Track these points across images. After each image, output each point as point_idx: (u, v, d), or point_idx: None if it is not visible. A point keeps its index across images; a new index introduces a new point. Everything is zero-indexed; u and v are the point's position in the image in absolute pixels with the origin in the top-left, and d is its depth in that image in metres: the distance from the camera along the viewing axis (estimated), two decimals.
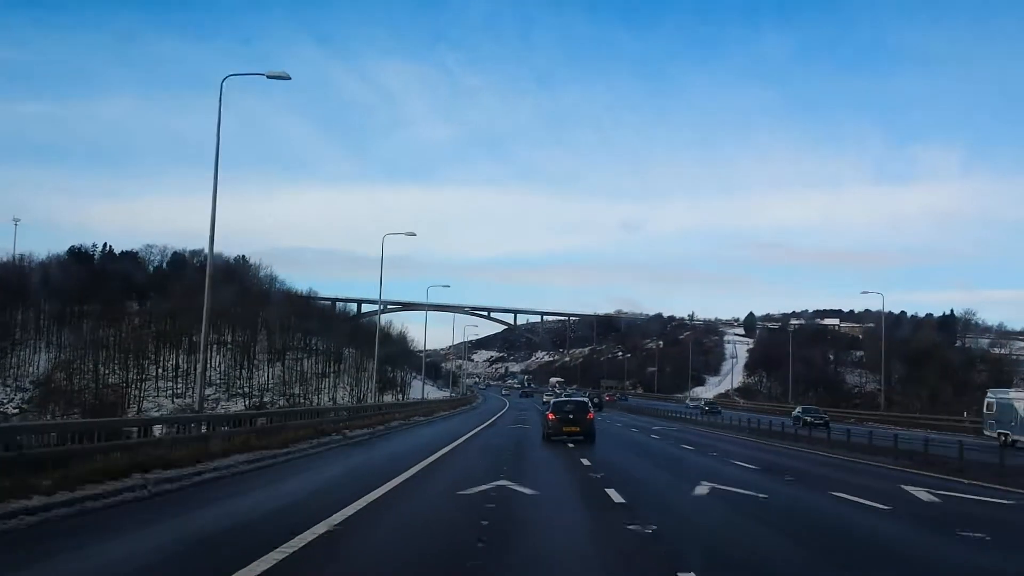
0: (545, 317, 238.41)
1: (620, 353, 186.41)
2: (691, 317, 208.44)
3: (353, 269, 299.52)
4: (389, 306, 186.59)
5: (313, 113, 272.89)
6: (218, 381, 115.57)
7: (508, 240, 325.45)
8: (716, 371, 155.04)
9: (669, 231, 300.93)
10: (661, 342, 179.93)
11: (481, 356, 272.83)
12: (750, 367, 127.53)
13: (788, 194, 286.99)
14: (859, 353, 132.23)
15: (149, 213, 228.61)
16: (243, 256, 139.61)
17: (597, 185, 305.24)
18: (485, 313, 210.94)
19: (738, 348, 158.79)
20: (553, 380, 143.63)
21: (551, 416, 30.12)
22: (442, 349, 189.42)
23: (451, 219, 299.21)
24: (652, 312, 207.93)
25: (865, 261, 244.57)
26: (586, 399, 38.38)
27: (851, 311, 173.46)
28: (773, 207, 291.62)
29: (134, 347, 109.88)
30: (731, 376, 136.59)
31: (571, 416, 29.89)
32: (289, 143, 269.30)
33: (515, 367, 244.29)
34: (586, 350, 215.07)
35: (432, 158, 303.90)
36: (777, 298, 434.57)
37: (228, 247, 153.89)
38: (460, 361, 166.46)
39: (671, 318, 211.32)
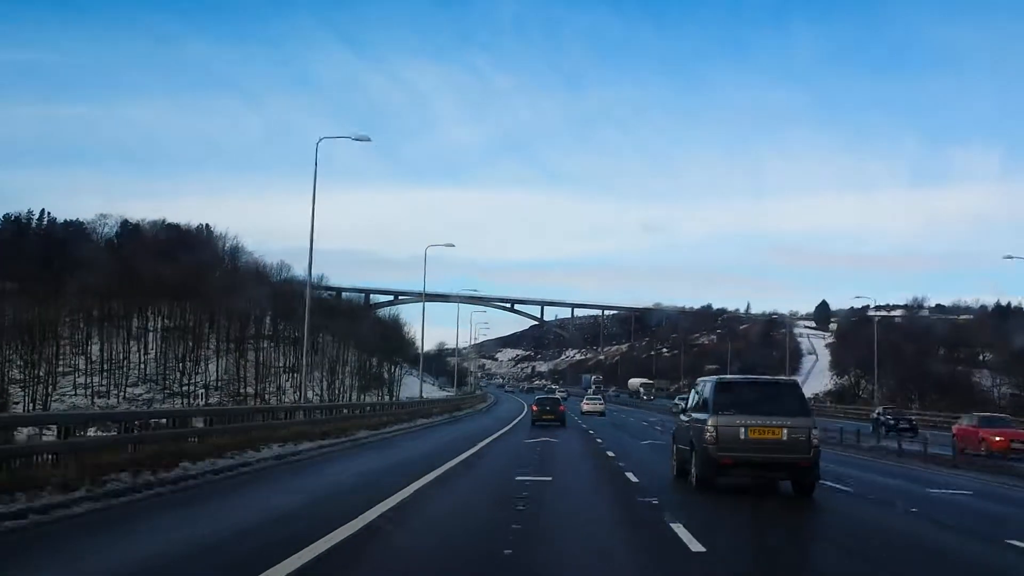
0: (576, 311, 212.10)
1: (664, 350, 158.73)
2: (747, 310, 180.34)
3: (377, 269, 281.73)
4: (401, 296, 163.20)
5: (340, 114, 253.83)
6: (155, 377, 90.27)
7: (536, 242, 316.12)
8: (794, 370, 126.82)
9: (699, 233, 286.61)
10: (714, 336, 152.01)
11: (506, 355, 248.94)
12: (839, 365, 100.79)
13: (821, 196, 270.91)
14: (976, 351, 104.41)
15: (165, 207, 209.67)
16: (207, 225, 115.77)
17: (625, 187, 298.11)
18: (508, 305, 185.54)
19: (814, 343, 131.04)
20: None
21: (534, 408, 41.93)
22: (464, 348, 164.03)
23: (479, 220, 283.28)
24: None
25: (898, 264, 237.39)
26: (558, 396, 52.62)
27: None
28: (805, 209, 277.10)
29: (41, 332, 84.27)
30: (813, 375, 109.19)
31: (547, 408, 41.03)
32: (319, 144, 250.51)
33: (543, 366, 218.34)
34: (623, 347, 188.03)
35: (459, 159, 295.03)
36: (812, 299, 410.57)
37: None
38: (482, 360, 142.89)
39: (722, 310, 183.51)
